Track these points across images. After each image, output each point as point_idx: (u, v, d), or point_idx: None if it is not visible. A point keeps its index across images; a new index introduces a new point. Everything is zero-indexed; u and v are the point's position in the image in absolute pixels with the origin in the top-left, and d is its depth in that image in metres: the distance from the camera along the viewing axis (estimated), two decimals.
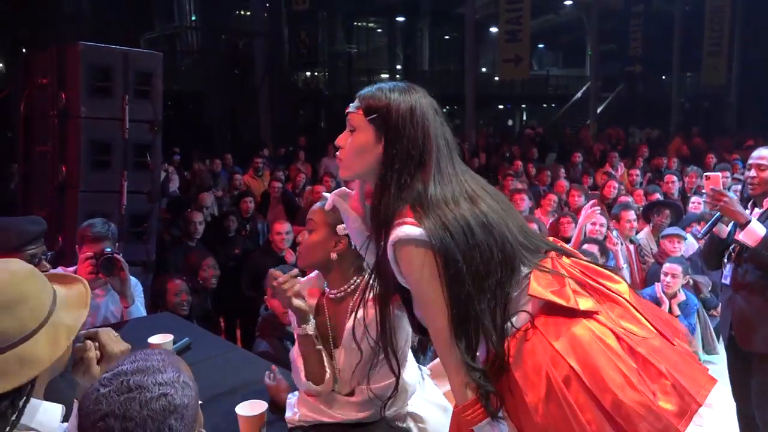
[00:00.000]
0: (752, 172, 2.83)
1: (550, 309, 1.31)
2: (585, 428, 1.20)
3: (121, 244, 3.28)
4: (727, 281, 2.89)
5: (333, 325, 1.78)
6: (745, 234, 2.64)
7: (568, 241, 4.44)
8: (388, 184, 1.33)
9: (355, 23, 21.37)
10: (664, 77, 21.18)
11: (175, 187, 7.64)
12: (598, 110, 18.11)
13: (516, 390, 1.27)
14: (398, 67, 22.33)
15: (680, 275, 4.06)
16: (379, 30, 22.73)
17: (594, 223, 4.36)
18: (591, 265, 1.43)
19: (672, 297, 4.10)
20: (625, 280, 1.43)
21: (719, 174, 2.85)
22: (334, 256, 1.70)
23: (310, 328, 1.73)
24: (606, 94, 19.95)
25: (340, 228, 1.66)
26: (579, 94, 20.70)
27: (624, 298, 1.34)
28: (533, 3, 13.59)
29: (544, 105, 24.28)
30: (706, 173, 2.97)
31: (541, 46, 24.24)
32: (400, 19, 21.46)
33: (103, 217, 2.97)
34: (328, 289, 1.78)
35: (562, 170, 7.63)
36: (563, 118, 20.68)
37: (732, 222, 2.87)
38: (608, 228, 4.58)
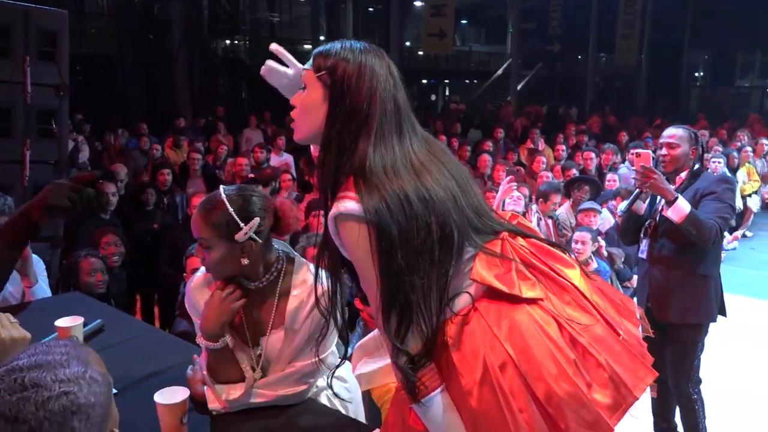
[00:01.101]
0: (663, 150, 2.92)
1: (493, 293, 1.27)
2: (516, 415, 1.18)
3: None
4: (644, 255, 3.00)
5: (255, 316, 1.72)
6: (672, 210, 2.71)
7: None
8: (329, 145, 1.27)
9: None
10: (580, 57, 21.90)
11: (84, 157, 7.20)
12: (518, 87, 18.51)
13: (453, 372, 1.24)
14: (321, 38, 21.93)
15: (589, 242, 4.23)
16: None
17: (512, 197, 4.45)
18: (545, 245, 1.39)
19: (584, 265, 4.27)
20: (578, 263, 1.39)
21: (649, 152, 2.92)
22: (245, 261, 1.61)
23: (228, 339, 1.66)
24: (526, 72, 20.41)
25: (239, 235, 1.58)
26: (500, 71, 21.07)
27: (573, 284, 1.31)
28: None
29: (467, 81, 24.58)
30: (636, 150, 3.04)
31: (464, 22, 24.43)
32: None
33: (3, 189, 2.72)
34: (246, 282, 1.69)
35: (489, 144, 7.74)
36: (484, 94, 21.03)
37: (648, 199, 2.98)
38: (529, 200, 4.69)
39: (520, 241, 1.37)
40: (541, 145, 8.53)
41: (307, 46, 21.57)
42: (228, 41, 18.24)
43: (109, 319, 2.25)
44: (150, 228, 4.67)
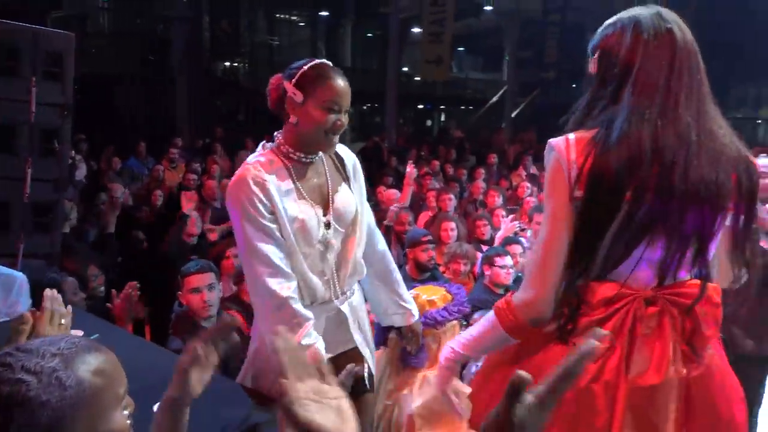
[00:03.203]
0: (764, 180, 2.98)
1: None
2: None
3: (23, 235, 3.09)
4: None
5: (317, 181, 1.98)
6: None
7: (484, 242, 4.59)
8: None
9: (278, 15, 21.05)
10: (575, 85, 22.18)
11: (81, 175, 7.27)
12: (513, 114, 18.72)
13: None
14: None
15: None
16: (302, 24, 22.50)
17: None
18: (669, 341, 1.31)
19: None
20: (674, 377, 1.29)
21: None
22: None
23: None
24: (521, 99, 20.66)
25: None
26: (495, 98, 21.31)
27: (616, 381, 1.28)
28: (456, 6, 13.87)
29: (462, 107, 24.81)
30: None
31: (461, 49, 24.77)
32: (324, 14, 21.34)
33: (3, 205, 2.77)
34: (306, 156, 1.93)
35: (481, 171, 7.86)
36: (480, 120, 21.23)
37: None
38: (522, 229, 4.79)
39: (651, 316, 1.31)
40: (534, 171, 8.64)
41: None
42: (228, 63, 18.43)
43: (104, 334, 2.31)
44: (142, 246, 4.73)
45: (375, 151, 11.09)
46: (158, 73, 13.96)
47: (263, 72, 19.36)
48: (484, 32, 23.05)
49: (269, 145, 1.93)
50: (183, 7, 13.76)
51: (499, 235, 4.28)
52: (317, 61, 1.84)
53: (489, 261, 3.70)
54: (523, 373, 0.69)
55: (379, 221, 3.84)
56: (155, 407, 1.58)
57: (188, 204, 4.79)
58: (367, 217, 2.05)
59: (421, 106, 23.87)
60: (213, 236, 4.70)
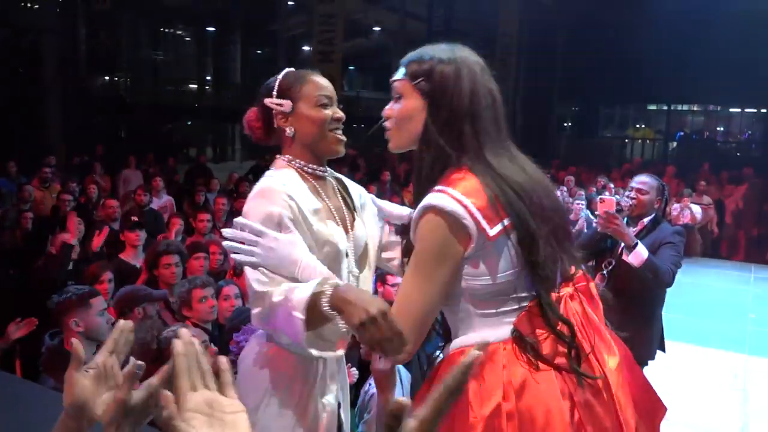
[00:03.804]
0: (633, 194, 3.18)
1: (525, 343, 1.27)
2: None
3: None
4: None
5: (335, 202, 1.73)
6: (633, 255, 2.92)
7: None
8: (429, 146, 1.30)
9: (162, 29, 20.32)
10: None
11: None
12: (369, 132, 19.10)
13: (463, 401, 1.21)
14: (208, 77, 21.63)
15: None
16: (188, 39, 21.86)
17: None
18: (596, 321, 1.36)
19: None
20: (618, 354, 1.36)
21: (613, 198, 3.14)
22: None
23: None
24: None
25: None
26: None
27: (603, 371, 1.29)
28: (345, 25, 14.01)
29: (354, 125, 25.07)
30: (600, 197, 3.27)
31: (352, 68, 25.05)
32: (211, 29, 20.86)
33: None
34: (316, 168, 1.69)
35: (374, 188, 7.93)
36: (372, 138, 21.53)
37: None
38: None
39: (576, 306, 1.34)
40: None
41: (193, 86, 21.17)
42: (107, 78, 17.53)
43: None
44: (7, 273, 4.34)
45: (266, 168, 10.89)
46: (29, 88, 13.00)
47: (147, 87, 18.58)
48: (373, 51, 23.49)
49: (281, 162, 1.68)
50: (55, 18, 12.94)
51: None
52: (286, 69, 1.71)
53: (382, 279, 3.71)
54: (402, 399, 0.65)
55: None
56: None
57: (73, 231, 4.38)
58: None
59: None
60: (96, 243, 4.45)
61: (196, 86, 21.21)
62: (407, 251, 1.41)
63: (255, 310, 1.45)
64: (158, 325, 2.42)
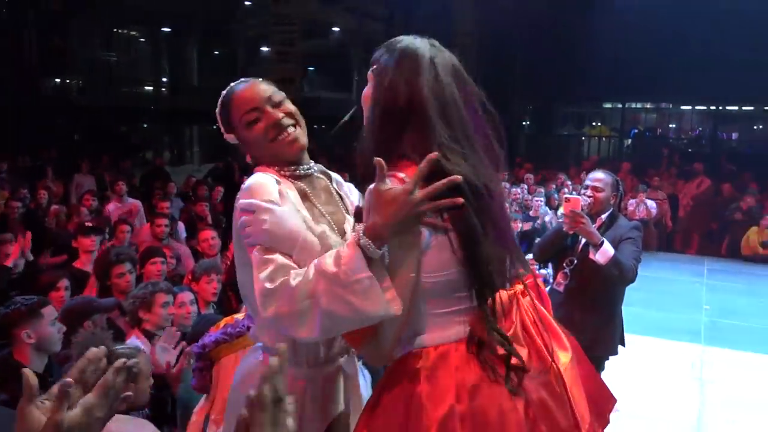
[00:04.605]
0: (589, 192, 3.20)
1: (478, 342, 1.25)
2: None
3: None
4: (560, 288, 3.20)
5: (325, 201, 1.65)
6: (600, 253, 2.95)
7: None
8: (369, 137, 1.29)
9: (116, 30, 19.85)
10: None
11: None
12: (332, 132, 19.14)
13: (417, 403, 1.20)
14: (164, 79, 21.23)
15: None
16: (142, 39, 21.42)
17: None
18: (549, 318, 1.36)
19: None
20: (569, 349, 1.35)
21: (579, 198, 3.14)
22: None
23: None
24: None
25: None
26: (347, 117, 21.66)
27: (557, 367, 1.27)
28: (304, 26, 13.92)
29: (315, 126, 24.93)
30: (566, 196, 3.28)
31: (311, 68, 24.92)
32: (166, 30, 20.47)
33: None
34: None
35: None
36: (334, 138, 21.44)
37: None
38: None
39: (526, 302, 1.33)
40: None
41: (149, 87, 20.74)
42: (59, 80, 17.04)
43: None
44: None
45: (226, 171, 10.77)
46: None
47: (101, 90, 18.11)
48: (332, 52, 23.40)
49: (262, 167, 1.56)
50: (3, 19, 12.53)
51: None
52: (223, 93, 1.64)
53: None
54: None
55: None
56: None
57: (16, 254, 4.19)
58: None
59: None
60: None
61: (152, 88, 20.80)
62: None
63: (270, 311, 1.26)
64: (109, 337, 2.35)
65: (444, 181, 1.11)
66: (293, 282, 1.24)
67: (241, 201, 1.43)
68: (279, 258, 1.31)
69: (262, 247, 1.33)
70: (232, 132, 1.61)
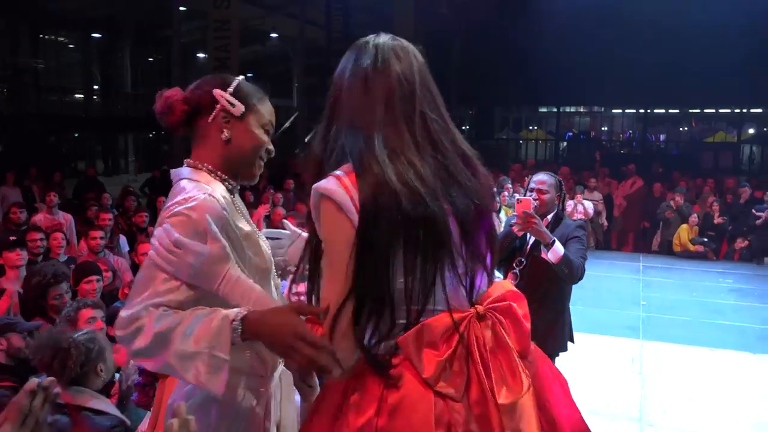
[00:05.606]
0: (534, 195, 3.25)
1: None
2: None
3: None
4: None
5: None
6: (551, 252, 3.00)
7: None
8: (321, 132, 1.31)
9: (43, 36, 19.06)
10: None
11: None
12: (306, 139, 18.99)
13: (348, 406, 1.18)
14: (95, 87, 20.54)
15: None
16: (72, 46, 20.66)
17: None
18: (512, 352, 1.24)
19: None
20: (529, 383, 1.22)
21: (530, 198, 3.17)
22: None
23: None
24: (314, 125, 21.02)
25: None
26: (287, 124, 21.47)
27: (498, 403, 1.18)
28: (242, 32, 13.71)
29: None
30: (517, 197, 3.30)
31: (250, 75, 24.62)
32: (97, 35, 19.82)
33: None
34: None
35: (279, 196, 7.78)
36: (275, 147, 21.21)
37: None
38: None
39: (486, 331, 1.23)
40: None
41: (79, 95, 20.01)
42: None
43: None
44: None
45: (163, 179, 10.47)
46: None
47: (28, 97, 17.33)
48: (271, 58, 23.18)
49: (203, 174, 1.48)
50: None
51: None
52: (243, 77, 1.59)
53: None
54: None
55: None
56: None
57: None
58: None
59: None
60: None
61: (82, 95, 20.07)
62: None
63: (134, 342, 1.30)
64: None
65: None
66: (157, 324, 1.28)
67: (174, 227, 1.35)
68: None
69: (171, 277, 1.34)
70: (243, 107, 1.50)
